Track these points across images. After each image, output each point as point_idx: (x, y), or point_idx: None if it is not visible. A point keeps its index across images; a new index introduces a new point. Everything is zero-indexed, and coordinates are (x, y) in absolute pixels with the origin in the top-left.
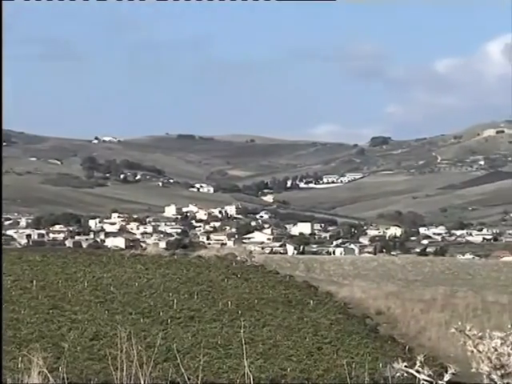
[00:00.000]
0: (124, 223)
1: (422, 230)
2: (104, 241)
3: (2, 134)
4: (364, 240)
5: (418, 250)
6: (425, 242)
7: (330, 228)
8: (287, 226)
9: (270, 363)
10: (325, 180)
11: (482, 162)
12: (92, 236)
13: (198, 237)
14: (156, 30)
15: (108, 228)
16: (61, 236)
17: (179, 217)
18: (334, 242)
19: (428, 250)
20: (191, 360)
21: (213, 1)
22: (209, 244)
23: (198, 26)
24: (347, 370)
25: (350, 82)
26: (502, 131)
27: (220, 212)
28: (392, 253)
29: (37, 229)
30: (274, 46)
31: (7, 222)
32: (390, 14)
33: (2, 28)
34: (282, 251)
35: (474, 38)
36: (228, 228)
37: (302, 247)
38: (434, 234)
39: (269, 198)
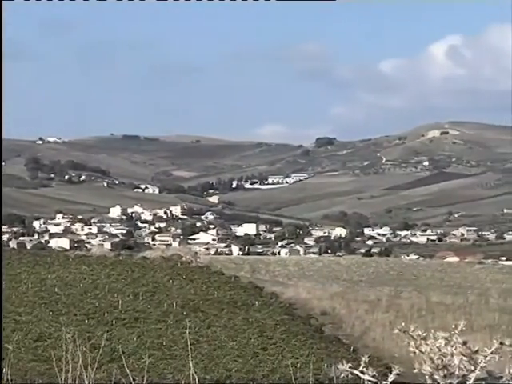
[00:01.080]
0: (69, 224)
1: (366, 231)
2: (48, 242)
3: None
4: (309, 241)
5: (362, 251)
6: (369, 242)
7: (275, 229)
8: (232, 227)
9: (215, 364)
10: (270, 181)
11: (426, 163)
12: (36, 237)
13: (143, 238)
14: (100, 31)
15: (52, 229)
16: (5, 237)
17: (124, 218)
18: (279, 243)
19: (373, 250)
20: (136, 361)
21: (159, 1)
22: (154, 245)
23: (144, 28)
24: (292, 371)
25: (295, 82)
26: (446, 132)
27: (165, 213)
28: (337, 253)
29: None
30: (219, 47)
31: None
32: (335, 14)
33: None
34: (227, 252)
35: (418, 40)
36: (173, 229)
37: (247, 248)
38: (379, 234)
39: (214, 199)
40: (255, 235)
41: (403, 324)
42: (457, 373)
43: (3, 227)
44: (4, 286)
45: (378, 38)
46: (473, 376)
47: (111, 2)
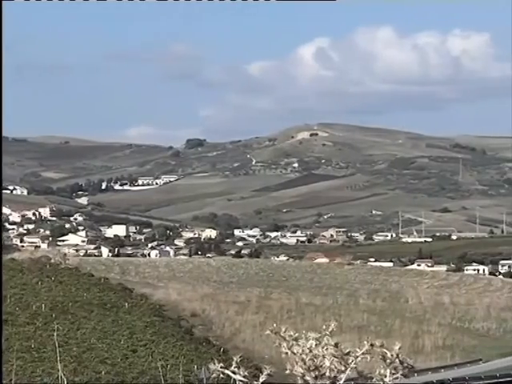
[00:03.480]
0: None
1: (236, 232)
2: None
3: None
4: (179, 242)
5: (232, 252)
6: (240, 243)
7: (145, 230)
8: (102, 229)
9: (84, 366)
10: (140, 182)
11: (296, 165)
12: None
13: (12, 239)
14: None
15: None
16: None
17: None
18: (150, 245)
19: (243, 251)
20: (4, 364)
21: (29, 1)
22: (22, 247)
23: (12, 27)
24: (162, 372)
25: (164, 83)
26: (316, 134)
27: (34, 214)
28: (207, 255)
29: None
30: (88, 48)
31: None
32: (204, 14)
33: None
34: (96, 254)
35: (287, 42)
36: (42, 230)
37: (116, 249)
38: (249, 235)
39: (83, 200)
40: (125, 237)
41: (274, 325)
42: (328, 374)
43: None
44: None
45: (247, 40)
46: (343, 377)
47: None
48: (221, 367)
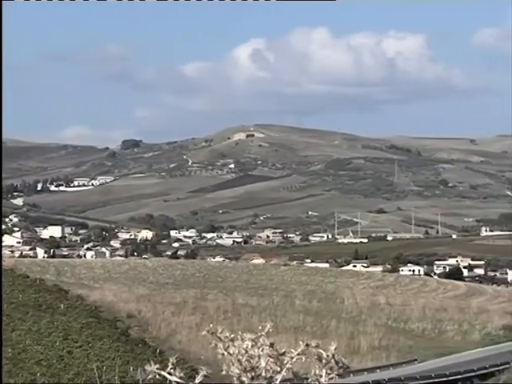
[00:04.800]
0: None
1: (173, 233)
2: None
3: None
4: (115, 243)
5: (169, 253)
6: (176, 244)
7: (81, 231)
8: (37, 230)
9: (20, 368)
10: (76, 183)
11: (232, 166)
12: None
13: None
14: None
15: None
16: None
17: None
18: (85, 246)
19: (179, 252)
20: None
21: None
22: None
23: None
24: (98, 374)
25: (100, 84)
26: (252, 135)
27: None
28: (143, 256)
29: None
30: (23, 48)
31: None
32: (139, 15)
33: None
34: (32, 255)
35: (223, 43)
36: None
37: (52, 250)
38: (185, 237)
39: (19, 201)
40: (60, 238)
41: (210, 326)
42: (263, 374)
43: None
44: None
45: (183, 40)
46: (279, 377)
47: None
48: (157, 368)
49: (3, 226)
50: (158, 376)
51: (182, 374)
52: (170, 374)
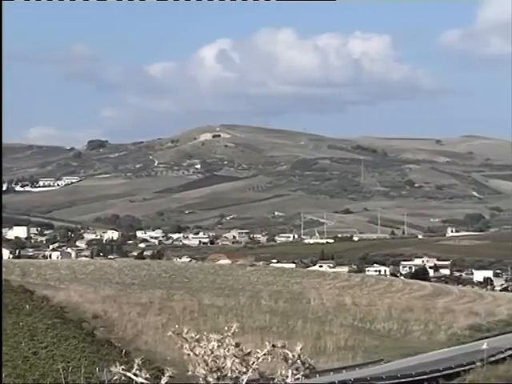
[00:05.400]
0: None
1: (139, 234)
2: None
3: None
4: (81, 244)
5: (135, 254)
6: (142, 245)
7: (47, 232)
8: (3, 230)
9: None
10: (41, 183)
11: (198, 166)
12: None
13: None
14: None
15: None
16: None
17: None
18: (51, 246)
19: (145, 253)
20: None
21: None
22: None
23: None
24: (63, 375)
25: (64, 84)
26: (218, 135)
27: None
28: (109, 256)
29: None
30: None
31: None
32: (104, 15)
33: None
34: None
35: (188, 43)
36: None
37: (17, 251)
38: (151, 237)
39: None
40: (26, 238)
41: (176, 326)
42: (229, 375)
43: None
44: None
45: (148, 41)
46: (245, 378)
47: None
48: (122, 369)
49: None
50: (123, 377)
51: (147, 375)
52: (135, 374)
